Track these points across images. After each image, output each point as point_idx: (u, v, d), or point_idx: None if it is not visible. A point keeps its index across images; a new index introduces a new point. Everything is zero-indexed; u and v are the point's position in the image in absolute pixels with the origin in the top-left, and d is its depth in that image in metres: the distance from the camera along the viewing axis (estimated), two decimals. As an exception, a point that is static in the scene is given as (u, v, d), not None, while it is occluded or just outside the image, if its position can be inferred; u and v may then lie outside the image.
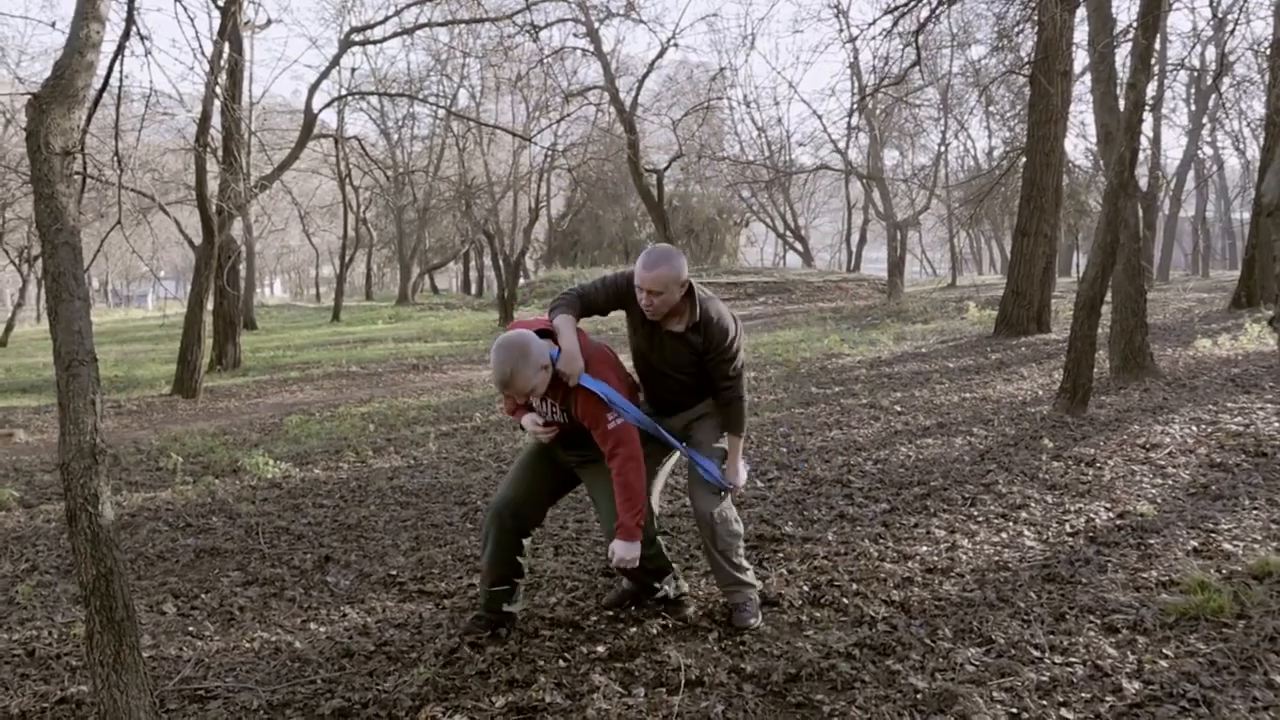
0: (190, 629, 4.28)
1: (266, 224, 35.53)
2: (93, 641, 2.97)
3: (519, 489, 3.95)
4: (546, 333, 3.73)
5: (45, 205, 3.10)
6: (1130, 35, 8.77)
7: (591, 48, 22.81)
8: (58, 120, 3.16)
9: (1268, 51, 19.45)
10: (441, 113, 30.06)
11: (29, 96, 3.22)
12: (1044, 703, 3.09)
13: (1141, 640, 3.49)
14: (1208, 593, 3.76)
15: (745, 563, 4.00)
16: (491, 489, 6.60)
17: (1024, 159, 14.69)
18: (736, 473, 3.96)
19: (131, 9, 6.18)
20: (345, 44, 17.97)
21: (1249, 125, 33.59)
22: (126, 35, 6.54)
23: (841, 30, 29.66)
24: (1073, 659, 3.37)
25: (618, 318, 4.28)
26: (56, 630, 4.33)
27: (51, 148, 3.12)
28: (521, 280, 31.64)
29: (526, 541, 3.96)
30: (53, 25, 21.38)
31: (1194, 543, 4.50)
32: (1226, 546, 4.40)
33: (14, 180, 19.77)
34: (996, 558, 4.48)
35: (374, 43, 22.59)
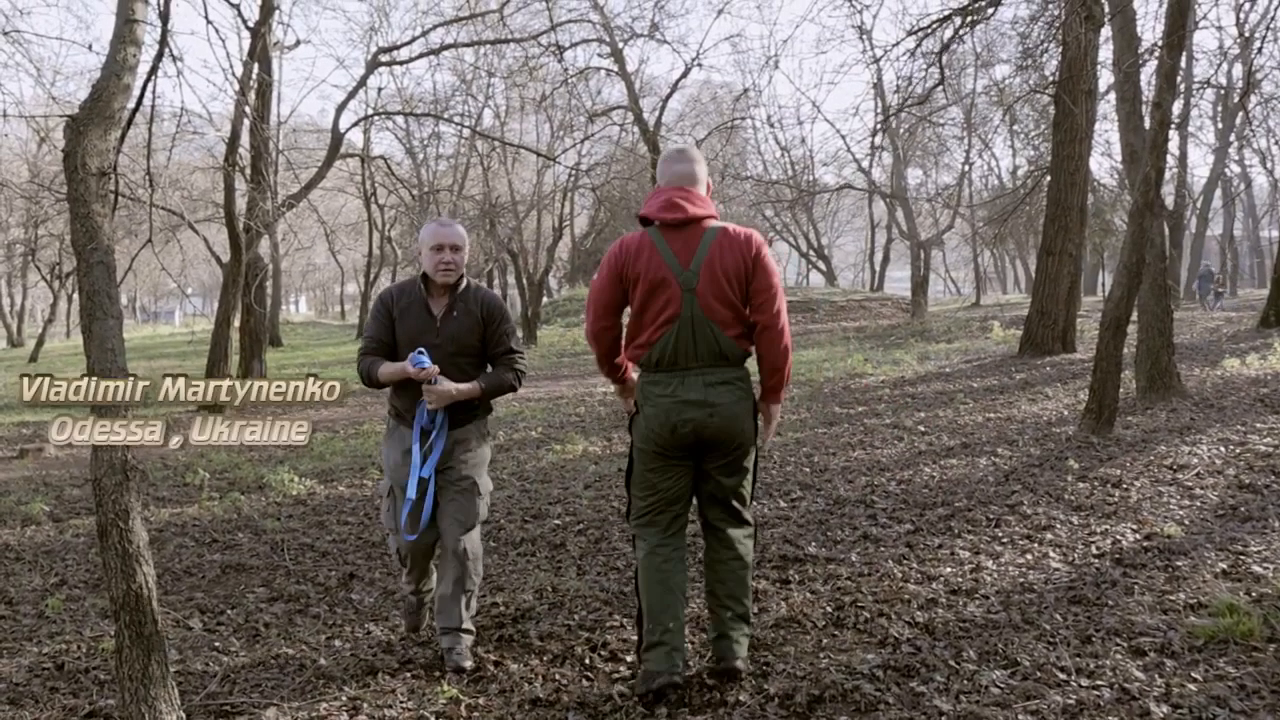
0: (216, 644, 4.32)
1: (293, 242, 35.95)
2: (122, 656, 3.01)
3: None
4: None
5: (81, 224, 3.16)
6: (1155, 54, 8.73)
7: (615, 68, 22.97)
8: (94, 141, 3.22)
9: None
10: (466, 132, 30.24)
11: (67, 118, 3.29)
12: (1070, 726, 3.07)
13: (1169, 663, 3.45)
14: (1237, 615, 3.71)
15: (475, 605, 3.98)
16: (515, 508, 6.61)
17: (1048, 178, 14.66)
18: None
19: (165, 31, 6.30)
20: (372, 64, 18.18)
21: (1277, 143, 33.37)
22: (160, 57, 6.67)
23: (865, 51, 29.71)
24: (1099, 682, 3.34)
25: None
26: (85, 644, 4.37)
27: (88, 168, 3.18)
28: (545, 299, 31.74)
29: None
30: (89, 47, 21.79)
31: (1223, 565, 4.45)
32: (1256, 569, 4.35)
33: (47, 198, 20.07)
34: (1021, 579, 4.45)
35: (401, 63, 22.83)
